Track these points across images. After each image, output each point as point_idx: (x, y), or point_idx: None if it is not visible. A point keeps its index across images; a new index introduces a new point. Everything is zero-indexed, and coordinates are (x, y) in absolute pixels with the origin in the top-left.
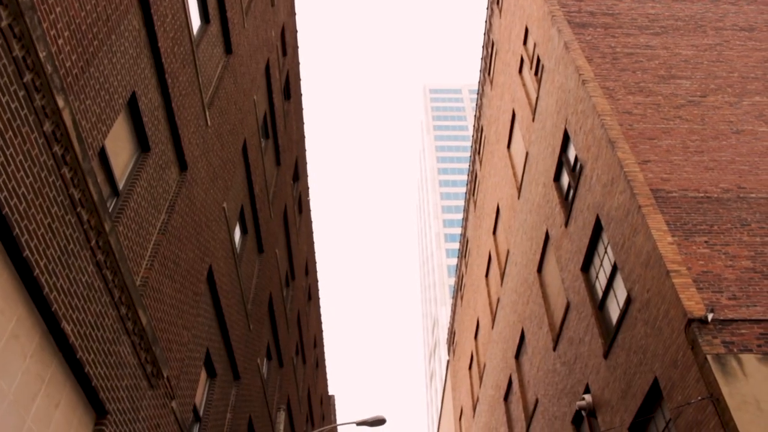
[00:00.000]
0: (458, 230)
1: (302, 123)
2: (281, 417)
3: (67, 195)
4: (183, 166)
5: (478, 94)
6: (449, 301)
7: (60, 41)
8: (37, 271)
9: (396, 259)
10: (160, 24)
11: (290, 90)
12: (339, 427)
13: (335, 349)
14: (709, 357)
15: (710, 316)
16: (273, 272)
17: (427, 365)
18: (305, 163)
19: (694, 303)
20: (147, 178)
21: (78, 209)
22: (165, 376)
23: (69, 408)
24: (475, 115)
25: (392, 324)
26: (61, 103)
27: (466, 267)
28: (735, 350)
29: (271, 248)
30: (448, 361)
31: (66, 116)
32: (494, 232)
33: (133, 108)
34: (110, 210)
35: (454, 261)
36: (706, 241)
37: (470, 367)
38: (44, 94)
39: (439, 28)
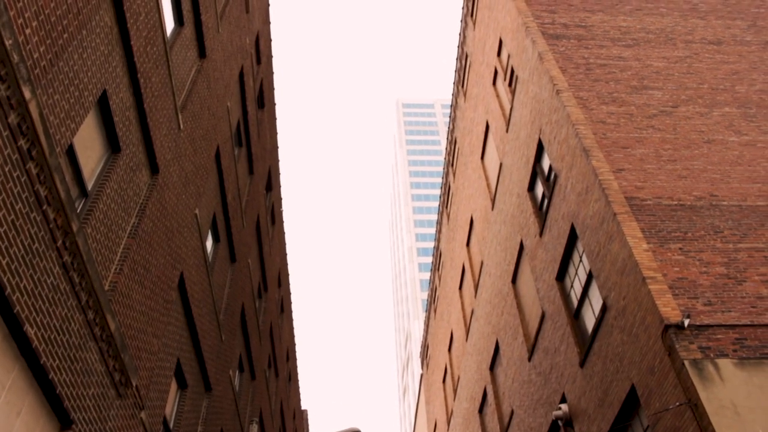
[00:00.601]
0: (431, 244)
1: (275, 133)
2: (254, 430)
3: (33, 191)
4: (154, 169)
5: (451, 106)
6: (422, 316)
7: (28, 31)
8: None
9: (368, 273)
10: (132, 22)
11: (264, 99)
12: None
13: (308, 363)
14: (686, 362)
15: (687, 322)
16: (245, 283)
17: (400, 380)
18: (278, 174)
19: (670, 309)
20: (117, 179)
21: (44, 207)
22: (134, 385)
23: (31, 417)
24: (448, 128)
25: (365, 339)
26: (27, 94)
27: (440, 280)
28: (712, 355)
29: (244, 258)
30: (422, 375)
31: (33, 108)
32: (468, 244)
33: (103, 107)
34: (78, 211)
35: (427, 275)
36: (680, 248)
37: (444, 380)
38: (9, 85)
39: (412, 43)
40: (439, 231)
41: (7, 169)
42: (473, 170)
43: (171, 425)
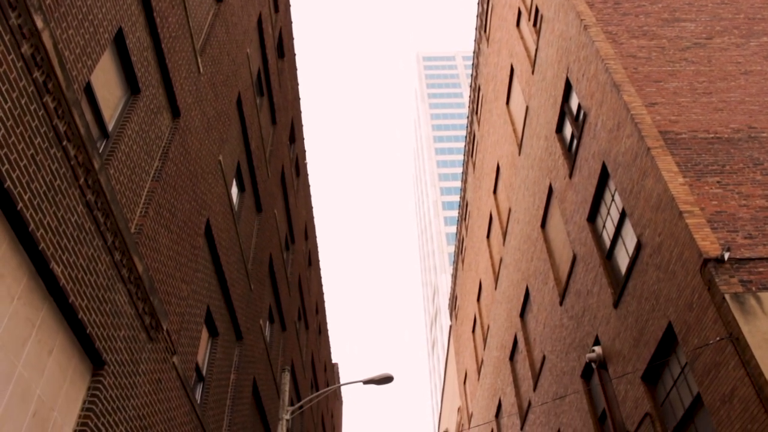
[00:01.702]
0: (456, 198)
1: (297, 84)
2: (286, 378)
3: (51, 126)
4: (176, 112)
5: (474, 53)
6: (449, 269)
7: None
8: (21, 205)
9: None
10: None
11: (284, 48)
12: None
13: (336, 318)
14: (726, 296)
15: (726, 255)
16: (272, 233)
17: (428, 334)
18: (301, 126)
19: (708, 243)
20: (138, 121)
21: (64, 143)
22: (164, 329)
23: (63, 356)
24: (471, 75)
25: (392, 294)
26: (40, 23)
27: (467, 230)
28: (753, 288)
29: (270, 208)
30: (451, 327)
31: (46, 39)
32: (495, 192)
33: (120, 45)
34: (100, 151)
35: (453, 229)
36: (718, 182)
37: (473, 330)
38: (20, 12)
39: None
40: (464, 181)
41: (23, 102)
42: (498, 116)
43: (204, 372)
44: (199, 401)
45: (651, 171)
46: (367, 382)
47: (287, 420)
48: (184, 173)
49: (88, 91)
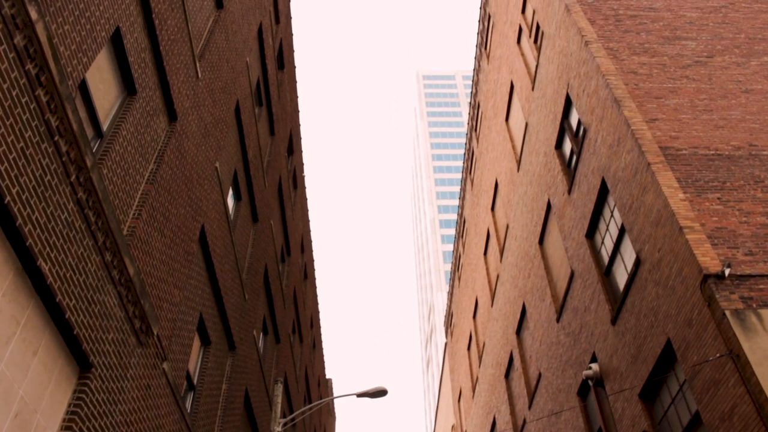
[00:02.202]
0: (453, 216)
1: (296, 96)
2: (279, 389)
3: (43, 120)
4: (172, 116)
5: (474, 70)
6: (445, 288)
7: None
8: (8, 198)
9: (390, 246)
10: None
11: (284, 60)
12: (338, 406)
13: (331, 334)
14: (727, 312)
15: (727, 271)
16: (268, 244)
17: (423, 352)
18: (300, 138)
19: (709, 259)
20: (133, 122)
21: (55, 138)
22: (155, 333)
23: (49, 357)
24: (471, 92)
25: (387, 312)
26: (34, 14)
27: (464, 247)
28: (754, 305)
29: (266, 219)
30: (446, 344)
31: (40, 31)
32: (492, 209)
33: (117, 45)
34: (94, 150)
35: (450, 247)
36: (719, 198)
37: (469, 348)
38: (14, 2)
39: (432, 13)
40: (462, 198)
41: (14, 93)
42: (497, 133)
43: (195, 381)
44: (189, 410)
45: (651, 186)
46: (360, 395)
47: None
48: (179, 177)
49: (83, 88)
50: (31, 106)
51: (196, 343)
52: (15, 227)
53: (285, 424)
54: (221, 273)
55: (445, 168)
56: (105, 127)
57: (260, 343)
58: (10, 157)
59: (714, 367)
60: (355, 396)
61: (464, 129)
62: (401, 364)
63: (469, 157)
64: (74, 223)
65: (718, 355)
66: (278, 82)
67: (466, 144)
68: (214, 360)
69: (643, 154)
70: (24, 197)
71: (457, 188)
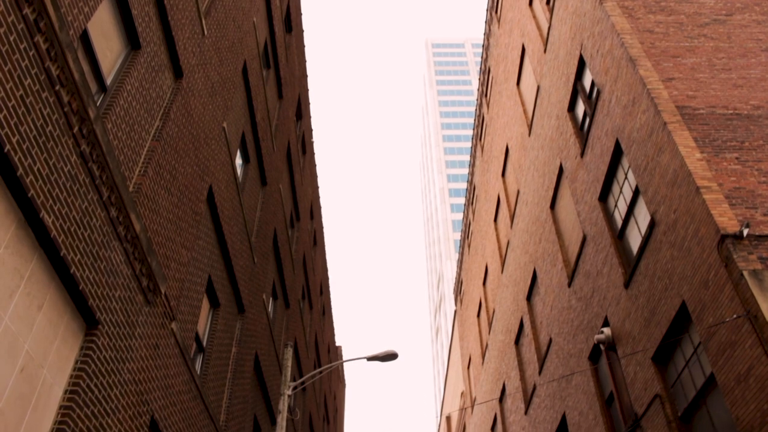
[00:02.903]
0: (463, 185)
1: (304, 60)
2: (289, 353)
3: (43, 68)
4: (178, 72)
5: (484, 34)
6: (454, 256)
7: None
8: (8, 147)
9: (399, 214)
10: None
11: (291, 22)
12: (348, 374)
13: (340, 302)
14: (745, 273)
15: (745, 231)
16: (277, 208)
17: (432, 321)
18: (308, 103)
19: (726, 219)
20: (138, 77)
21: (56, 87)
22: (163, 292)
23: (54, 312)
24: (481, 57)
25: (397, 280)
26: None
27: (473, 214)
28: None
29: (275, 183)
30: (455, 311)
31: None
32: (503, 174)
33: None
34: (97, 104)
35: (459, 216)
36: (737, 158)
37: (479, 315)
38: None
39: None
40: (472, 165)
41: (12, 38)
42: (508, 98)
43: (204, 343)
44: (199, 372)
45: (667, 146)
46: (371, 358)
47: (289, 396)
48: (186, 136)
49: (85, 39)
50: (30, 53)
51: (205, 305)
52: (16, 177)
53: (295, 388)
54: (230, 235)
55: (455, 137)
56: (108, 81)
57: (270, 308)
58: (9, 105)
59: (730, 329)
60: (365, 360)
61: (474, 98)
62: (410, 333)
63: (479, 123)
64: (78, 176)
65: (735, 316)
66: (286, 45)
67: (476, 110)
68: (223, 323)
69: (659, 114)
70: (25, 147)
71: (466, 157)
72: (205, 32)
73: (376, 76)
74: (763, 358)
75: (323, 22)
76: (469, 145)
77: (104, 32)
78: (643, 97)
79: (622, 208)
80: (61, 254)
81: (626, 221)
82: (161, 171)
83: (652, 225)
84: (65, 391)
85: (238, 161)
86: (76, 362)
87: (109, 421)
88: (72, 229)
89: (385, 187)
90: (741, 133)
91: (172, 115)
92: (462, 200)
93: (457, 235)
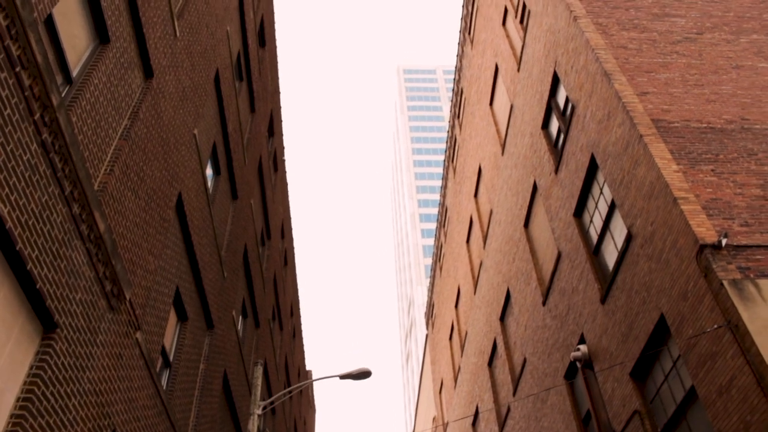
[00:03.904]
0: (434, 210)
1: (277, 76)
2: (259, 372)
3: (2, 47)
4: (149, 72)
5: (457, 56)
6: (425, 282)
7: None
8: None
9: (370, 240)
10: None
11: (265, 37)
12: (318, 400)
13: (309, 326)
14: (725, 282)
15: (724, 241)
16: (248, 223)
17: (403, 347)
18: (280, 120)
19: (705, 230)
20: (106, 72)
21: (17, 69)
22: (128, 299)
23: (8, 312)
24: (453, 79)
25: (367, 306)
26: None
27: (446, 236)
28: (752, 276)
29: (246, 198)
30: (427, 335)
31: None
32: (476, 195)
33: None
34: (62, 95)
35: (430, 241)
36: (712, 170)
37: (450, 338)
38: None
39: (414, 7)
40: (444, 186)
41: None
42: (481, 118)
43: (171, 357)
44: (165, 387)
45: (643, 159)
46: (344, 376)
47: (259, 415)
48: (155, 138)
49: (50, 25)
50: None
51: (173, 317)
52: None
53: (265, 408)
54: (199, 246)
55: (425, 162)
56: (75, 73)
57: (239, 326)
58: None
59: (711, 340)
60: (338, 378)
61: (445, 124)
62: (381, 360)
63: (452, 145)
64: (38, 166)
65: (716, 326)
66: (259, 59)
67: (448, 132)
68: (191, 337)
69: (635, 127)
70: None
71: (437, 182)
72: (178, 34)
73: (347, 100)
74: (746, 368)
75: (296, 46)
76: (440, 170)
77: (70, 20)
78: (618, 110)
79: (597, 223)
80: (17, 248)
81: (602, 236)
82: (128, 172)
83: (628, 238)
84: (17, 399)
85: (209, 172)
86: (31, 368)
87: None
88: (30, 223)
89: (356, 212)
90: (715, 146)
91: (141, 115)
92: (433, 226)
93: (428, 261)
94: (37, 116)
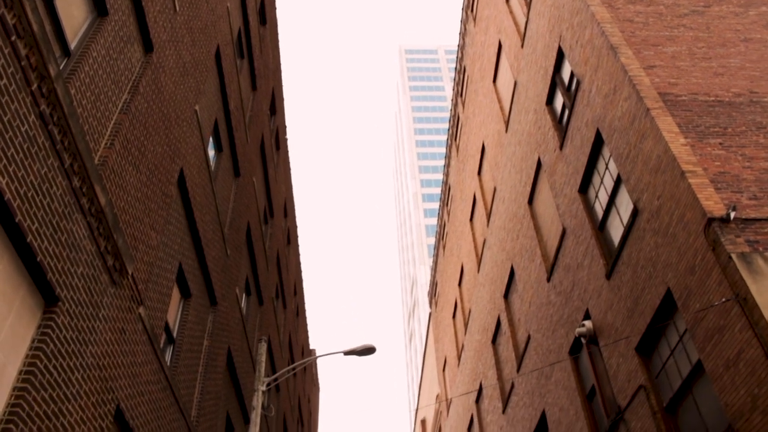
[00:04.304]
0: (436, 190)
1: (278, 54)
2: (263, 348)
3: None
4: (148, 46)
5: (460, 33)
6: (428, 261)
7: None
8: None
9: (372, 220)
10: None
11: (266, 15)
12: (322, 381)
13: (312, 306)
14: (733, 255)
15: (732, 214)
16: (251, 201)
17: (406, 326)
18: (282, 99)
19: (713, 203)
20: (105, 45)
21: (12, 38)
22: (130, 273)
23: (8, 285)
24: (456, 56)
25: (370, 286)
26: None
27: (449, 215)
28: (760, 249)
29: (248, 175)
30: (430, 314)
31: None
32: (479, 173)
33: None
34: (60, 67)
35: (432, 221)
36: (720, 143)
37: (454, 316)
38: None
39: None
40: (447, 165)
41: None
42: (484, 95)
43: (175, 333)
44: (168, 363)
45: (650, 132)
46: (348, 353)
47: (263, 391)
48: (155, 113)
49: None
50: None
51: (176, 294)
52: None
53: (269, 384)
54: (202, 223)
55: (428, 142)
56: (72, 45)
57: (243, 303)
58: None
59: (718, 314)
60: (342, 354)
61: (447, 104)
62: (384, 340)
63: (455, 124)
64: (37, 138)
65: (723, 299)
66: (260, 37)
67: (451, 110)
68: (195, 314)
69: (642, 100)
70: None
71: (439, 162)
72: (177, 8)
73: (349, 81)
74: (754, 341)
75: (297, 26)
76: (442, 150)
77: None
78: (624, 84)
79: (603, 198)
80: (17, 220)
81: (607, 211)
82: (129, 146)
83: (635, 213)
84: (20, 372)
85: (211, 149)
86: (33, 341)
87: (70, 406)
88: (29, 195)
89: (359, 192)
90: (723, 119)
91: (141, 90)
92: (435, 205)
93: (431, 240)
94: (34, 87)
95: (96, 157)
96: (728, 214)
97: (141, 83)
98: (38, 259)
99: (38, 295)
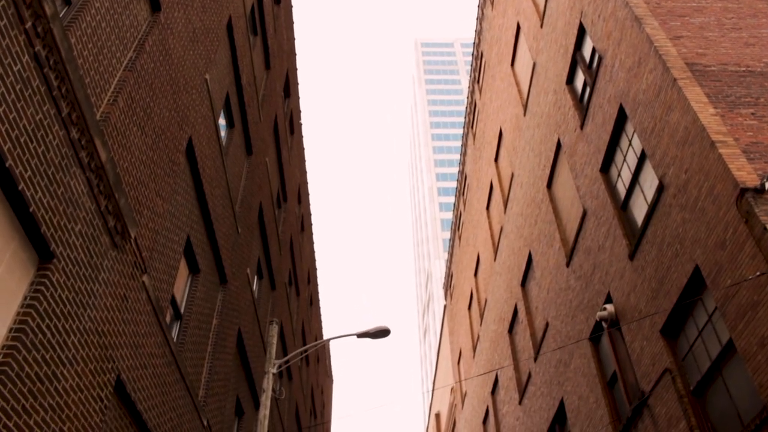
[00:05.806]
0: (451, 184)
1: (293, 36)
2: (274, 330)
3: None
4: (156, 5)
5: (477, 18)
6: (443, 255)
7: None
8: None
9: (388, 213)
10: None
11: None
12: (335, 375)
13: (326, 297)
14: None
15: (767, 184)
16: (263, 182)
17: (420, 321)
18: (297, 82)
19: (745, 173)
20: None
21: None
22: (133, 237)
23: (0, 237)
24: (473, 42)
25: (385, 280)
26: None
27: (465, 204)
28: None
29: (261, 155)
30: (445, 306)
31: None
32: (496, 159)
33: None
34: (57, 8)
35: (448, 215)
36: (752, 113)
37: (470, 307)
38: None
39: None
40: (463, 154)
41: None
42: (502, 80)
43: (182, 309)
44: (175, 339)
45: (677, 103)
46: (361, 335)
47: (274, 374)
48: (163, 75)
49: None
50: None
51: (183, 268)
52: None
53: (280, 366)
54: (211, 197)
55: (443, 136)
56: None
57: (254, 285)
58: None
59: (752, 289)
60: (355, 337)
61: (463, 97)
62: (398, 334)
63: (471, 111)
64: (30, 81)
65: (758, 273)
66: (274, 15)
67: (467, 98)
68: (203, 291)
69: (668, 71)
70: None
71: (455, 156)
72: None
73: (365, 74)
74: None
75: (313, 17)
76: (458, 144)
77: None
78: (650, 56)
79: (626, 176)
80: (7, 164)
81: (630, 190)
82: (133, 105)
83: (660, 189)
84: (9, 329)
85: (222, 123)
86: (25, 298)
87: (65, 371)
88: (22, 140)
89: (374, 185)
90: (755, 89)
91: (148, 48)
92: (451, 199)
93: (446, 234)
94: (28, 25)
95: (98, 113)
96: (762, 184)
97: (147, 42)
98: (31, 210)
99: (32, 249)
